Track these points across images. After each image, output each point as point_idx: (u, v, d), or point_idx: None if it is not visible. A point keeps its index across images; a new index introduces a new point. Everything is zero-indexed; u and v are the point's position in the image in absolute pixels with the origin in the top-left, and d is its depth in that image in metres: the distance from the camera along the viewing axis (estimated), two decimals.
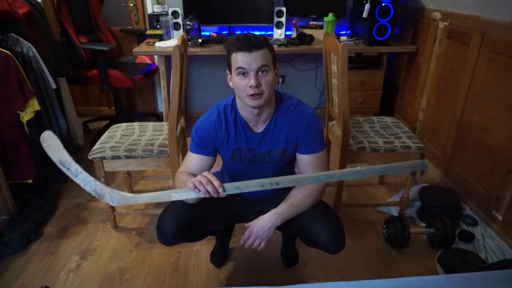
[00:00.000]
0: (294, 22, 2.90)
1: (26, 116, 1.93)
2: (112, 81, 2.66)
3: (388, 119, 2.09)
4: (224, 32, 3.06)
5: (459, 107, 2.16)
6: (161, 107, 3.42)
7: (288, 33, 2.95)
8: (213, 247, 1.77)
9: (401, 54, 2.90)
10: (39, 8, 2.31)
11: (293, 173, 1.50)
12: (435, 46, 2.45)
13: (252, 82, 1.12)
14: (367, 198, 2.22)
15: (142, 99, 3.52)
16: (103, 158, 1.72)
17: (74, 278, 1.65)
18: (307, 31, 2.83)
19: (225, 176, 1.50)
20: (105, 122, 3.04)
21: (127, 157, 1.73)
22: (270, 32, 2.99)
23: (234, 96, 1.28)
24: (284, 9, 2.82)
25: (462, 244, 1.82)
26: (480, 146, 1.98)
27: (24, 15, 2.03)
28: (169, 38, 2.65)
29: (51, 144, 1.03)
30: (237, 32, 3.05)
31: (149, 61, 3.06)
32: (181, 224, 1.27)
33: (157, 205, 2.19)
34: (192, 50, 2.55)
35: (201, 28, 2.72)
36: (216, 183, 1.06)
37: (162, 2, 2.89)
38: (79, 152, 2.64)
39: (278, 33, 2.88)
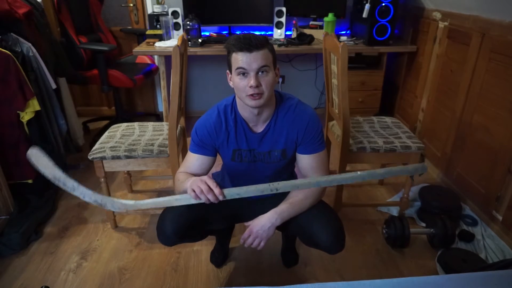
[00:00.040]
0: (294, 22, 2.90)
1: (26, 116, 1.93)
2: (112, 81, 2.66)
3: (388, 119, 2.09)
4: (224, 32, 3.06)
5: (459, 107, 2.16)
6: (161, 107, 3.43)
7: (288, 33, 2.95)
8: (213, 247, 1.77)
9: (401, 54, 2.90)
10: (39, 8, 2.31)
11: (293, 173, 1.51)
12: (435, 46, 2.45)
13: (252, 82, 1.12)
14: (367, 198, 2.22)
15: (142, 99, 3.52)
16: (103, 158, 1.72)
17: (74, 278, 1.65)
18: (307, 31, 2.83)
19: (225, 176, 1.50)
20: (105, 122, 3.04)
21: (127, 157, 1.73)
22: (270, 32, 2.99)
23: (234, 96, 1.28)
24: (284, 9, 2.82)
25: (462, 244, 1.82)
26: (480, 146, 1.98)
27: (24, 15, 2.03)
28: (169, 38, 2.65)
29: (40, 162, 1.03)
30: (237, 32, 3.05)
31: (149, 61, 3.06)
32: (181, 224, 1.27)
33: None
34: (192, 50, 2.55)
35: (201, 28, 2.72)
36: (217, 190, 1.08)
37: (162, 2, 2.89)
38: (79, 152, 2.64)
39: (278, 33, 2.88)
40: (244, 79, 1.15)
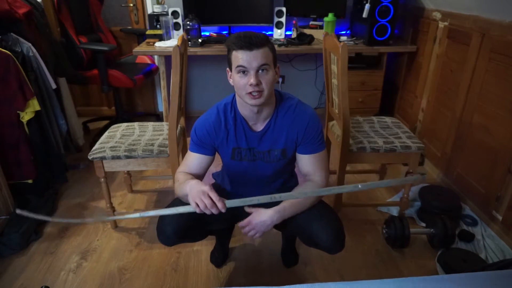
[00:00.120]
0: (294, 22, 2.90)
1: (26, 116, 1.93)
2: (112, 81, 2.66)
3: (388, 119, 2.09)
4: (224, 32, 3.06)
5: (459, 107, 2.16)
6: (161, 107, 3.43)
7: (288, 33, 2.95)
8: (213, 247, 1.77)
9: (401, 54, 2.90)
10: (39, 8, 2.31)
11: (293, 173, 1.50)
12: (435, 46, 2.45)
13: (252, 80, 1.12)
14: (367, 198, 2.22)
15: (142, 99, 3.52)
16: (103, 158, 1.72)
17: (74, 278, 1.65)
18: (307, 31, 2.83)
19: (225, 177, 1.50)
20: (105, 122, 3.04)
21: (127, 157, 1.73)
22: (270, 32, 2.99)
23: (234, 95, 1.28)
24: (284, 9, 2.82)
25: (462, 244, 1.82)
26: (480, 146, 1.98)
27: (24, 15, 2.03)
28: (169, 38, 2.65)
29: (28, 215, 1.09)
30: None
31: (149, 61, 3.06)
32: (181, 224, 1.27)
33: (157, 205, 2.19)
34: (192, 50, 2.55)
35: (201, 28, 2.71)
36: (220, 204, 1.09)
37: (162, 2, 2.89)
38: (79, 152, 2.64)
39: (278, 33, 2.89)
40: (244, 77, 1.14)
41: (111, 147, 1.74)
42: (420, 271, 1.67)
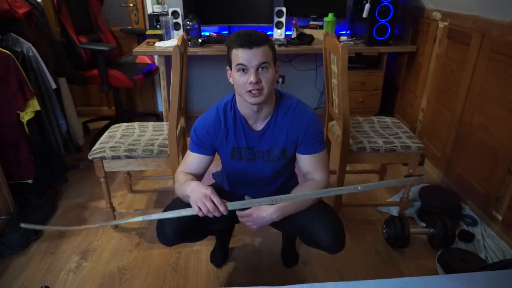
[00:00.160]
0: (294, 22, 2.90)
1: (26, 116, 1.93)
2: (112, 81, 2.66)
3: (388, 119, 2.09)
4: (224, 32, 3.06)
5: (459, 107, 2.16)
6: (161, 107, 3.43)
7: (288, 33, 2.95)
8: (213, 247, 1.77)
9: (401, 54, 2.90)
10: (39, 8, 2.32)
11: (293, 173, 1.50)
12: (435, 46, 2.45)
13: (252, 78, 1.12)
14: (367, 198, 2.22)
15: (142, 99, 3.52)
16: (103, 158, 1.72)
17: (74, 278, 1.65)
18: (307, 31, 2.83)
19: (224, 177, 1.50)
20: (105, 122, 3.04)
21: (127, 157, 1.73)
22: (270, 32, 2.99)
23: (234, 94, 1.28)
24: (284, 9, 2.82)
25: (462, 244, 1.82)
26: (480, 146, 1.98)
27: (24, 15, 2.03)
28: (169, 38, 2.65)
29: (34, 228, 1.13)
30: None
31: (149, 61, 3.06)
32: (181, 224, 1.27)
33: (157, 205, 2.19)
34: (192, 50, 2.55)
35: (201, 28, 2.72)
36: (222, 208, 1.10)
37: (162, 2, 2.89)
38: (79, 152, 2.64)
39: (278, 33, 2.88)
40: (244, 75, 1.14)
41: (111, 147, 1.74)
42: (420, 271, 1.67)
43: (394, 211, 2.07)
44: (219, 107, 1.30)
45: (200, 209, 1.10)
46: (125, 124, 2.03)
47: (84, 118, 3.13)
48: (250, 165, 1.35)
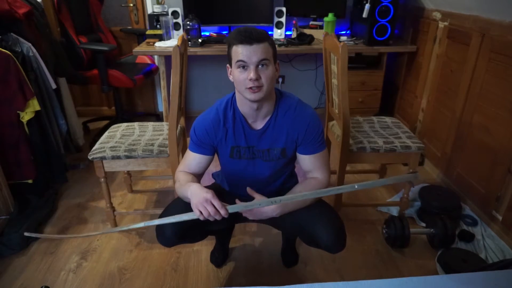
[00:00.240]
0: (294, 22, 2.90)
1: (26, 116, 1.93)
2: (112, 81, 2.66)
3: (388, 119, 2.09)
4: (224, 32, 3.06)
5: (459, 107, 2.16)
6: (161, 107, 3.43)
7: (288, 33, 2.94)
8: (213, 247, 1.77)
9: (401, 54, 2.90)
10: (39, 8, 2.31)
11: (293, 173, 1.50)
12: (435, 46, 2.45)
13: (252, 75, 1.12)
14: (367, 198, 2.22)
15: (142, 99, 3.52)
16: (103, 158, 1.72)
17: (74, 278, 1.65)
18: (307, 31, 2.83)
19: (224, 178, 1.50)
20: (105, 122, 3.04)
21: (127, 157, 1.73)
22: (270, 32, 2.97)
23: (234, 93, 1.28)
24: (284, 9, 2.82)
25: (462, 244, 1.82)
26: (480, 146, 1.98)
27: (24, 15, 2.03)
28: (169, 38, 2.65)
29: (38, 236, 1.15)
30: None
31: (149, 61, 3.06)
32: (180, 225, 1.26)
33: (156, 205, 2.19)
34: (192, 50, 2.55)
35: (201, 28, 2.71)
36: (223, 211, 1.11)
37: (162, 2, 2.89)
38: (79, 152, 2.64)
39: (278, 33, 2.88)
40: (244, 72, 1.14)
41: (111, 147, 1.74)
42: (420, 271, 1.67)
43: (394, 211, 2.07)
44: (219, 106, 1.30)
45: (201, 213, 1.11)
46: (125, 124, 2.03)
47: (84, 118, 3.13)
48: (250, 164, 1.35)
